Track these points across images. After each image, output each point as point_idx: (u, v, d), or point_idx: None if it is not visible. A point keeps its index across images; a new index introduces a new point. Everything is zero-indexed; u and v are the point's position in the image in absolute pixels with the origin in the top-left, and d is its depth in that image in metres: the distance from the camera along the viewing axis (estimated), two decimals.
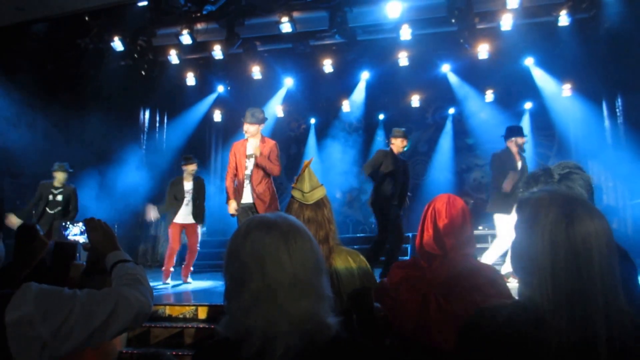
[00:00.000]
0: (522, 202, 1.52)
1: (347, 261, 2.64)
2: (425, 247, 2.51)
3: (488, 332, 1.46)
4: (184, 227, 7.99)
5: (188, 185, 8.04)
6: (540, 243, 1.38)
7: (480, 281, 2.32)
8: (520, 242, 1.47)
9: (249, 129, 6.30)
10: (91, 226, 2.09)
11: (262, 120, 6.38)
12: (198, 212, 8.00)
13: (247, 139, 6.41)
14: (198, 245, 8.04)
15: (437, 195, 2.62)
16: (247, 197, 6.22)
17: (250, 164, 6.28)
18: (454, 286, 2.31)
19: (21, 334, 1.47)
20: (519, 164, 6.93)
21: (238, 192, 6.27)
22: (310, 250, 1.43)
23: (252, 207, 6.16)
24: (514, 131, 6.98)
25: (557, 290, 1.34)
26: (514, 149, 6.94)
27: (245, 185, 6.23)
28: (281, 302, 1.35)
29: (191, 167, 8.04)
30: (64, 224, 2.12)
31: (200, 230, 8.13)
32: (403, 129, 7.56)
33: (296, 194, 2.70)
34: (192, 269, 8.04)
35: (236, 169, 6.40)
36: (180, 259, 8.34)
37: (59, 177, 8.17)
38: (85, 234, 2.10)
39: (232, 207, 6.22)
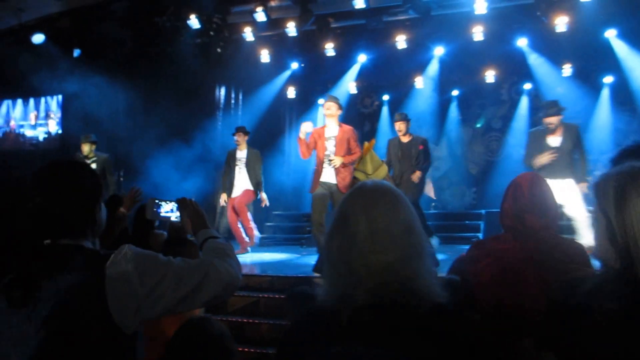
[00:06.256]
0: (603, 180, 1.45)
1: None
2: (506, 222, 2.55)
3: (578, 300, 1.44)
4: None
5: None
6: (635, 220, 1.33)
7: (567, 254, 2.33)
8: (607, 224, 1.41)
9: (330, 107, 6.47)
10: (183, 205, 2.22)
11: (341, 106, 6.61)
12: None
13: (325, 125, 6.61)
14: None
15: (522, 173, 2.64)
16: (326, 177, 6.43)
17: (329, 145, 6.47)
18: (541, 260, 2.33)
19: (119, 290, 1.56)
20: (553, 140, 6.87)
21: (318, 171, 6.50)
22: (395, 210, 1.45)
23: (332, 186, 6.35)
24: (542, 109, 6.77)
25: None
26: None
27: (325, 165, 6.43)
28: (361, 253, 1.39)
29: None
30: (157, 201, 2.29)
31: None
32: (398, 112, 7.84)
33: (359, 175, 2.75)
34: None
35: (316, 148, 6.60)
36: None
37: (84, 148, 8.24)
38: (178, 212, 2.26)
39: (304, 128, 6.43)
